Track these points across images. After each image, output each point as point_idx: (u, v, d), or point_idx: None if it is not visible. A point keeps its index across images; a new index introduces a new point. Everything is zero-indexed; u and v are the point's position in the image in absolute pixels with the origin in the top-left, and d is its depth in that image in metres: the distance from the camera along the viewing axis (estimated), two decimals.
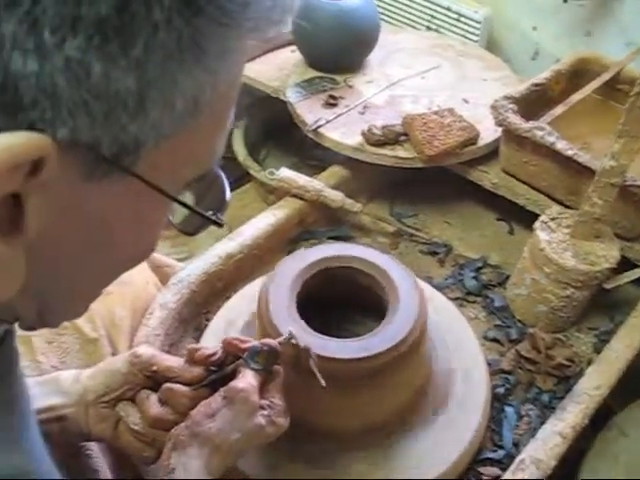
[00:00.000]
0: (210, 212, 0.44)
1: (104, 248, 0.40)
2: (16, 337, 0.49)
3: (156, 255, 1.02)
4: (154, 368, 0.71)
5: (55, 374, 0.74)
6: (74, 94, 0.30)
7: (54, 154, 0.31)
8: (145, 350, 0.72)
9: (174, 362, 0.72)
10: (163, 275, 1.00)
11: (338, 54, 1.36)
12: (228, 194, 0.48)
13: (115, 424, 0.71)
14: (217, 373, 0.71)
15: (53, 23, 0.28)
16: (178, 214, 0.46)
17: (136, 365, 0.71)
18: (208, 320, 0.99)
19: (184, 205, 0.41)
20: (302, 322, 0.78)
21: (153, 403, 0.70)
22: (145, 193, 0.36)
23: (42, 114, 0.30)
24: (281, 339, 0.71)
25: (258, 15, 0.34)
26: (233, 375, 0.69)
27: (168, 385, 0.70)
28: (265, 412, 0.66)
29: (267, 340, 0.70)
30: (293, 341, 0.72)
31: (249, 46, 0.37)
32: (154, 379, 0.71)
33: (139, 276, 0.95)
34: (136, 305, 0.92)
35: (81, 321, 0.85)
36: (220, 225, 0.45)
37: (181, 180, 0.40)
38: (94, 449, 0.80)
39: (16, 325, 0.46)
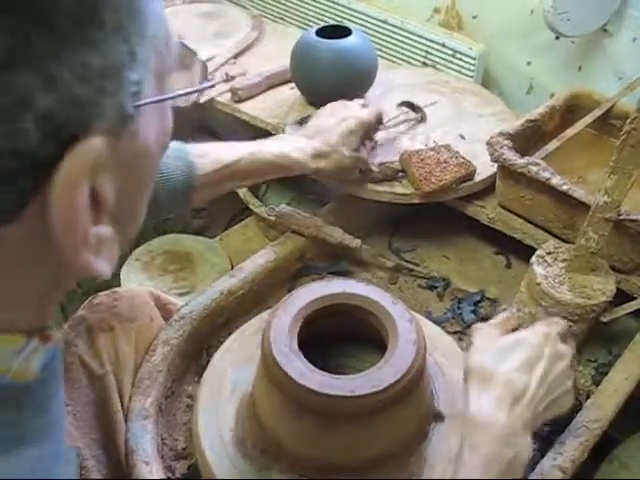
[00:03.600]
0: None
1: (150, 166, 0.48)
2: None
3: (161, 294, 1.03)
4: None
5: None
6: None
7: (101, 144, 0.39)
8: None
9: None
10: (167, 312, 1.01)
11: (336, 91, 1.38)
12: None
13: None
14: None
15: None
16: None
17: None
18: (210, 355, 1.00)
19: (182, 95, 0.47)
20: (305, 360, 0.79)
21: None
22: (153, 109, 0.44)
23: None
24: None
25: None
26: None
27: None
28: None
29: None
30: None
31: None
32: None
33: (143, 313, 0.96)
34: (140, 342, 0.93)
35: (88, 358, 0.87)
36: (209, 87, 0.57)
37: (154, 73, 0.44)
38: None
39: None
